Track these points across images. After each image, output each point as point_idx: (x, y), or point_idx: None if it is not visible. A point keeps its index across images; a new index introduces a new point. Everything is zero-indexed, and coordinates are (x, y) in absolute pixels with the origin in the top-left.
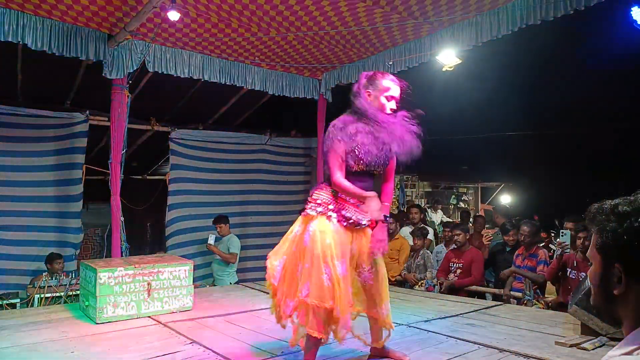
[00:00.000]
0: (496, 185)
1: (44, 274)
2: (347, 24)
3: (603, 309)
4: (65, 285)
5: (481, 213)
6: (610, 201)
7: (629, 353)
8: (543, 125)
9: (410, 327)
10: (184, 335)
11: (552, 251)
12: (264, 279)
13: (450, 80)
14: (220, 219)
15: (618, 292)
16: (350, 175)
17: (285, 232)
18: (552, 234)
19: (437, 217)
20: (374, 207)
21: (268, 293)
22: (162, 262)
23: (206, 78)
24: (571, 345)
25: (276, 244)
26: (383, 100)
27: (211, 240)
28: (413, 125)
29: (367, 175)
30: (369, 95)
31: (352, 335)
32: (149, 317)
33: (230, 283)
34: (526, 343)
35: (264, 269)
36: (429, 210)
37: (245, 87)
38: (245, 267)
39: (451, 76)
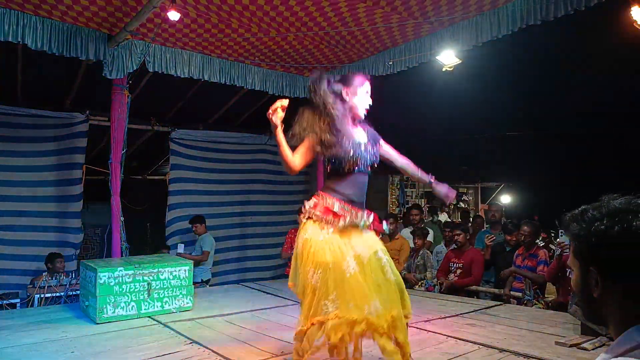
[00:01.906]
0: (496, 185)
1: (44, 273)
2: (347, 24)
3: (589, 313)
4: (65, 285)
5: (481, 213)
6: (580, 208)
7: (622, 354)
8: (543, 125)
9: (410, 327)
10: (184, 335)
11: (551, 251)
12: (264, 279)
13: (450, 80)
14: (196, 219)
15: (597, 295)
16: (345, 174)
17: (285, 232)
18: (552, 234)
19: (442, 218)
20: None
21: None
22: (162, 262)
23: (206, 78)
24: (571, 345)
25: (276, 243)
26: (361, 94)
27: (180, 250)
28: None
29: (362, 173)
30: (347, 94)
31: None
32: (149, 317)
33: (202, 280)
34: (526, 343)
35: (263, 268)
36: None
37: (245, 87)
38: (245, 267)
39: (451, 76)
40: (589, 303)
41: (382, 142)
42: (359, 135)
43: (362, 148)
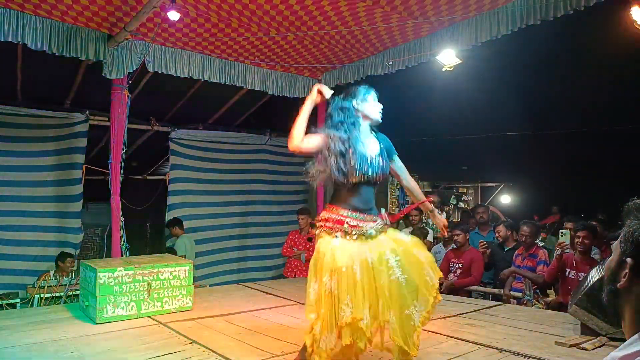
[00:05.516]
0: (496, 185)
1: (51, 272)
2: (347, 24)
3: (607, 300)
4: (65, 285)
5: None
6: None
7: (632, 356)
8: (543, 125)
9: None
10: (184, 335)
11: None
12: (264, 279)
13: (450, 80)
14: (170, 222)
15: (621, 286)
16: (351, 187)
17: (286, 232)
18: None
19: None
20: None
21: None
22: (162, 262)
23: (206, 78)
24: (571, 345)
25: (276, 243)
26: (370, 100)
27: None
28: None
29: (368, 185)
30: (356, 103)
31: None
32: (149, 317)
33: None
34: (526, 343)
35: (263, 268)
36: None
37: (245, 87)
38: (245, 267)
39: (451, 76)
40: (611, 290)
41: (396, 157)
42: (371, 147)
43: (369, 161)
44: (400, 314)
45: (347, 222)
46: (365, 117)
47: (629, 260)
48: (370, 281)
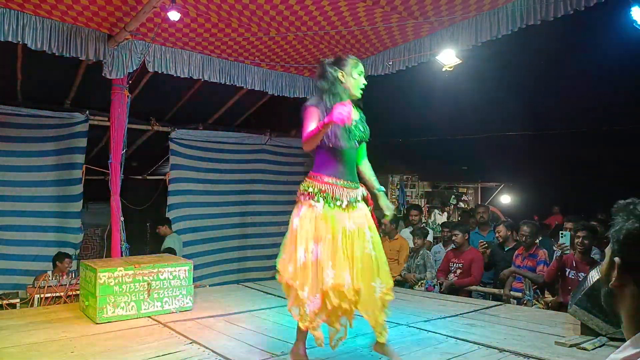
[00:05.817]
0: (496, 185)
1: (49, 272)
2: (347, 24)
3: (605, 301)
4: (65, 285)
5: None
6: (632, 199)
7: (632, 357)
8: (543, 125)
9: (410, 327)
10: (184, 335)
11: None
12: (264, 279)
13: (450, 80)
14: (159, 221)
15: (612, 285)
16: (335, 151)
17: (285, 232)
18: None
19: (443, 219)
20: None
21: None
22: (162, 262)
23: (206, 78)
24: (571, 345)
25: (276, 243)
26: (355, 75)
27: None
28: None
29: (351, 152)
30: (342, 75)
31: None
32: (149, 317)
33: None
34: (526, 343)
35: (263, 268)
36: (436, 211)
37: (245, 87)
38: (245, 267)
39: (451, 76)
40: (606, 291)
41: None
42: (354, 113)
43: (354, 125)
44: (368, 286)
45: (330, 190)
46: (348, 89)
47: (616, 259)
48: (347, 248)
